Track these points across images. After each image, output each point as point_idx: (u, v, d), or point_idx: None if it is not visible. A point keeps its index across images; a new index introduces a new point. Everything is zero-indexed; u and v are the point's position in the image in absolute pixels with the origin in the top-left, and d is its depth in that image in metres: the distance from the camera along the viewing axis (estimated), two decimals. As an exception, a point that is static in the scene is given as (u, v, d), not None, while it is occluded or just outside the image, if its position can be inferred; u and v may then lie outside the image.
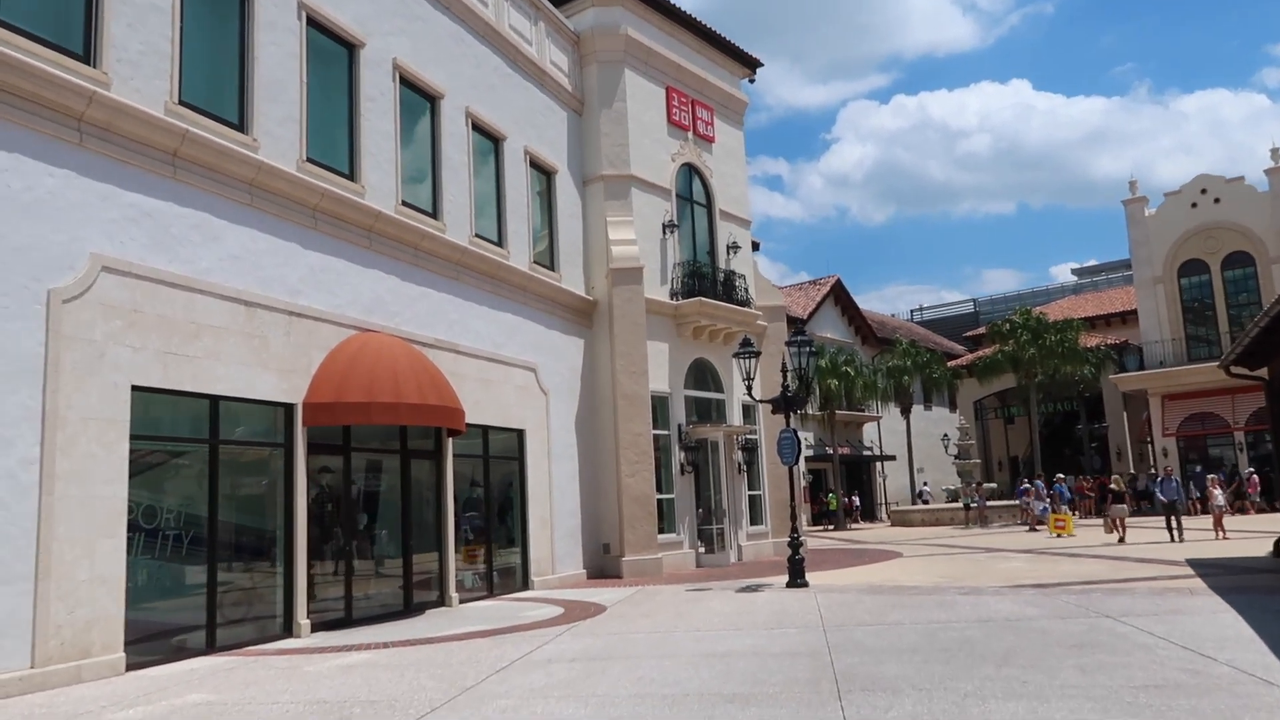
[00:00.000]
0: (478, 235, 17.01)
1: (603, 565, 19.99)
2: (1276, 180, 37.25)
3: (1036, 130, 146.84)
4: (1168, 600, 11.74)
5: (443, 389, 14.28)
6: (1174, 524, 21.73)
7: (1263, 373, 18.78)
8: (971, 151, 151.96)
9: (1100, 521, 26.27)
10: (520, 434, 17.97)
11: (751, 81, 26.52)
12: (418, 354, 14.41)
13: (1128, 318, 45.21)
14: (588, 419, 20.26)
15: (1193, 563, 16.43)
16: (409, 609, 14.47)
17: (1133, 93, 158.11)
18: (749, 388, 17.13)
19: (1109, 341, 42.61)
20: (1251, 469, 34.35)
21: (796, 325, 31.71)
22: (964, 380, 46.98)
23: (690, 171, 23.52)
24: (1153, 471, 38.78)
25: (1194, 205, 38.44)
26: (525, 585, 17.70)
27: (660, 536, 20.53)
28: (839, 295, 49.04)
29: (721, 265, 23.62)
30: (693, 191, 23.58)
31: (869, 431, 48.84)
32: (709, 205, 24.01)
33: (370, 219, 14.05)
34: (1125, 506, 23.53)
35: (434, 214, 15.85)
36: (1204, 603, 11.34)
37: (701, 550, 22.00)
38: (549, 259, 19.84)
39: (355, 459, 13.89)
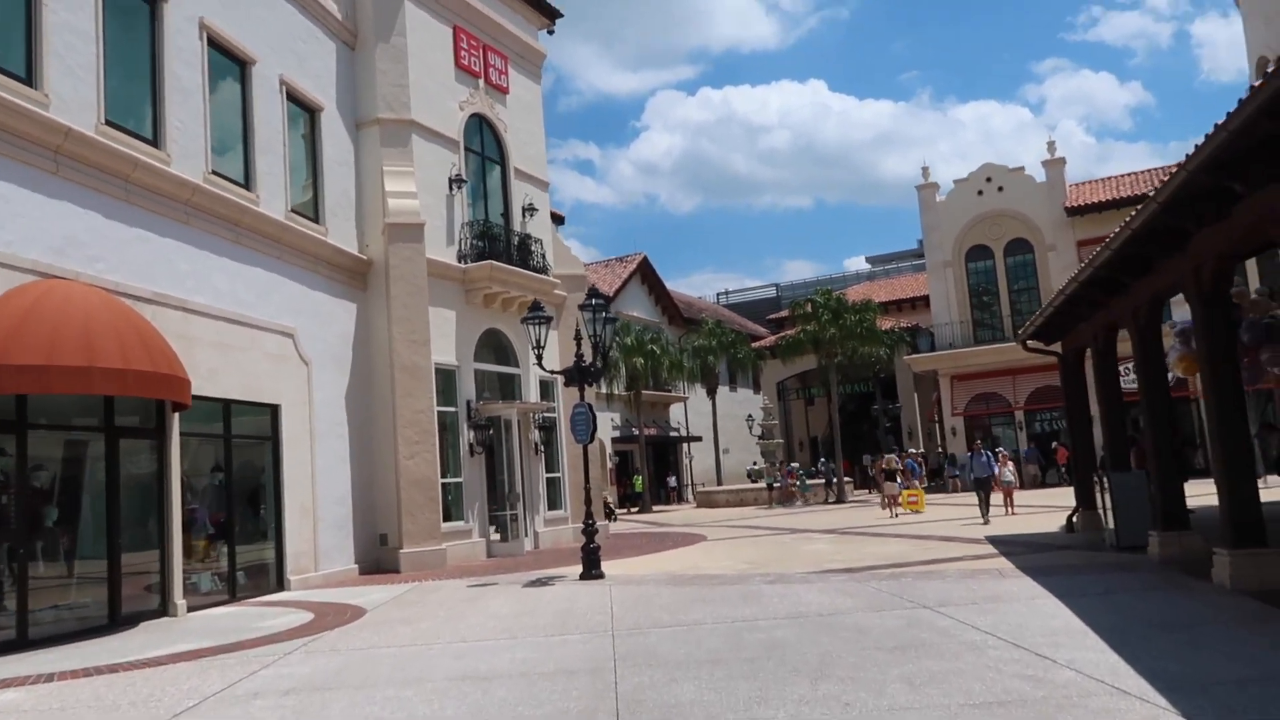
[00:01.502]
0: (216, 173, 14.23)
1: (379, 558, 17.66)
2: (1053, 172, 38.98)
3: (832, 130, 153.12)
4: (981, 584, 10.85)
5: (158, 353, 11.59)
6: (985, 502, 20.56)
7: (1056, 348, 18.81)
8: (773, 147, 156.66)
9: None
10: (274, 409, 15.36)
11: (550, 33, 24.57)
12: (124, 308, 11.64)
13: (917, 303, 46.62)
14: (361, 393, 17.81)
15: (993, 540, 16.00)
16: (116, 622, 11.74)
17: (916, 99, 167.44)
18: (539, 357, 15.30)
19: (902, 324, 43.72)
20: (1008, 448, 35.46)
21: (600, 299, 30.17)
22: (767, 361, 47.08)
23: (481, 123, 21.33)
24: (940, 449, 40.00)
25: (980, 193, 39.67)
26: (281, 585, 15.19)
27: (447, 525, 18.41)
28: (646, 274, 47.97)
29: (516, 228, 21.62)
30: (484, 146, 21.42)
31: (675, 412, 48.19)
32: (503, 162, 21.93)
33: (58, 137, 11.13)
34: (896, 484, 25.92)
35: (154, 141, 13.00)
36: (1018, 586, 10.50)
37: (495, 538, 20.02)
38: (313, 210, 17.20)
39: (36, 439, 11.00)
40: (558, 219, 30.44)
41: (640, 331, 41.36)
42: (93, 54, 11.90)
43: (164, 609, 12.53)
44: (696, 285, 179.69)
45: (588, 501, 15.13)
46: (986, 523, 19.63)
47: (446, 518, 18.49)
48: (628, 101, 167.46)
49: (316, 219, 17.13)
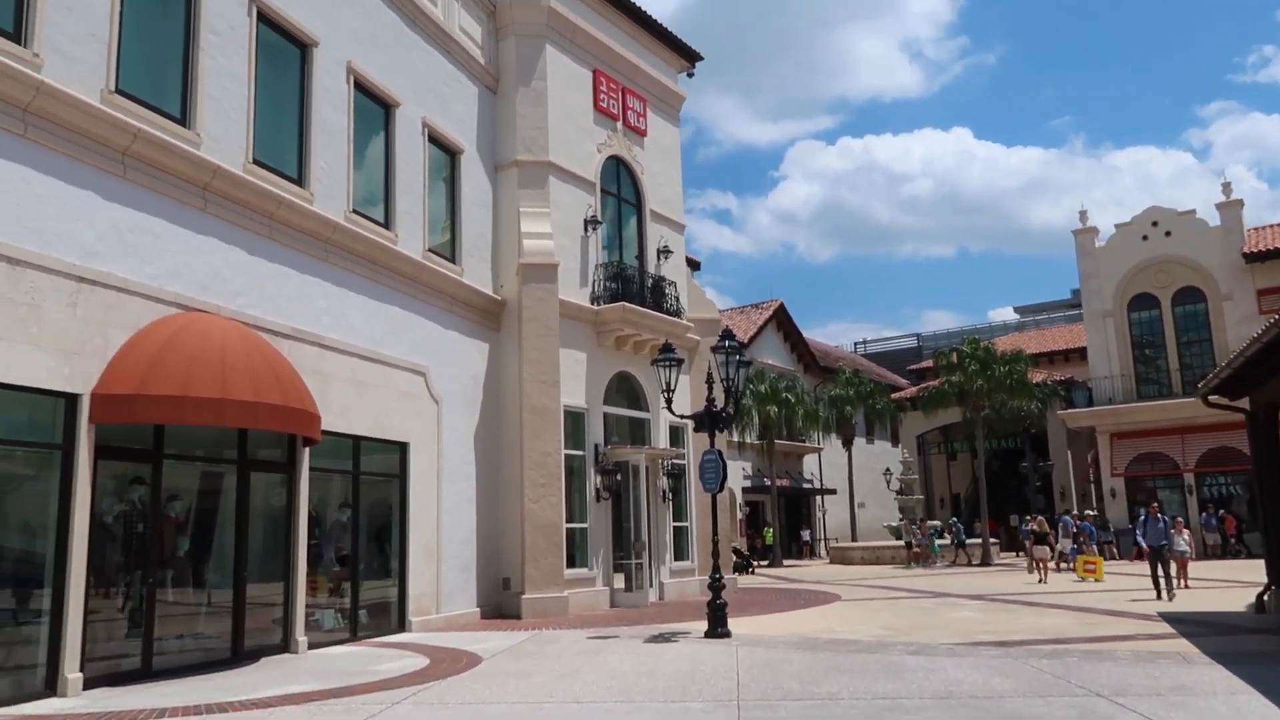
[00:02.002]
0: (357, 212, 14.45)
1: (501, 603, 17.35)
2: (1229, 216, 35.97)
3: (976, 177, 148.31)
4: (1162, 670, 9.54)
5: (290, 387, 11.64)
6: (1161, 574, 17.76)
7: (1243, 403, 16.98)
8: (914, 195, 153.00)
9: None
10: (403, 447, 15.33)
11: (690, 76, 24.40)
12: (261, 343, 11.77)
13: (1070, 355, 44.01)
14: (490, 434, 17.69)
15: (1168, 617, 14.36)
16: (238, 656, 11.73)
17: (1068, 145, 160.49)
18: (668, 400, 14.77)
19: (1054, 378, 41.19)
20: (1177, 514, 32.44)
21: (734, 341, 29.59)
22: (907, 413, 45.21)
23: (618, 165, 21.22)
24: (1094, 512, 37.18)
25: (1145, 238, 37.12)
26: (402, 626, 15.02)
27: (570, 571, 17.97)
28: (782, 321, 47.06)
29: (650, 270, 21.32)
30: (620, 188, 21.28)
31: (809, 463, 46.76)
32: (638, 204, 21.73)
33: (206, 175, 11.43)
34: (1046, 549, 24.28)
35: (299, 180, 13.26)
36: (1209, 676, 9.16)
37: (619, 587, 19.46)
38: (450, 250, 17.32)
39: (171, 469, 11.15)
40: (693, 264, 30.13)
41: (775, 379, 40.41)
42: (244, 96, 12.26)
43: (285, 645, 12.49)
44: (833, 335, 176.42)
45: (715, 554, 14.39)
46: (1169, 598, 17.21)
47: (570, 564, 18.08)
48: (766, 151, 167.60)
49: (453, 259, 17.23)
